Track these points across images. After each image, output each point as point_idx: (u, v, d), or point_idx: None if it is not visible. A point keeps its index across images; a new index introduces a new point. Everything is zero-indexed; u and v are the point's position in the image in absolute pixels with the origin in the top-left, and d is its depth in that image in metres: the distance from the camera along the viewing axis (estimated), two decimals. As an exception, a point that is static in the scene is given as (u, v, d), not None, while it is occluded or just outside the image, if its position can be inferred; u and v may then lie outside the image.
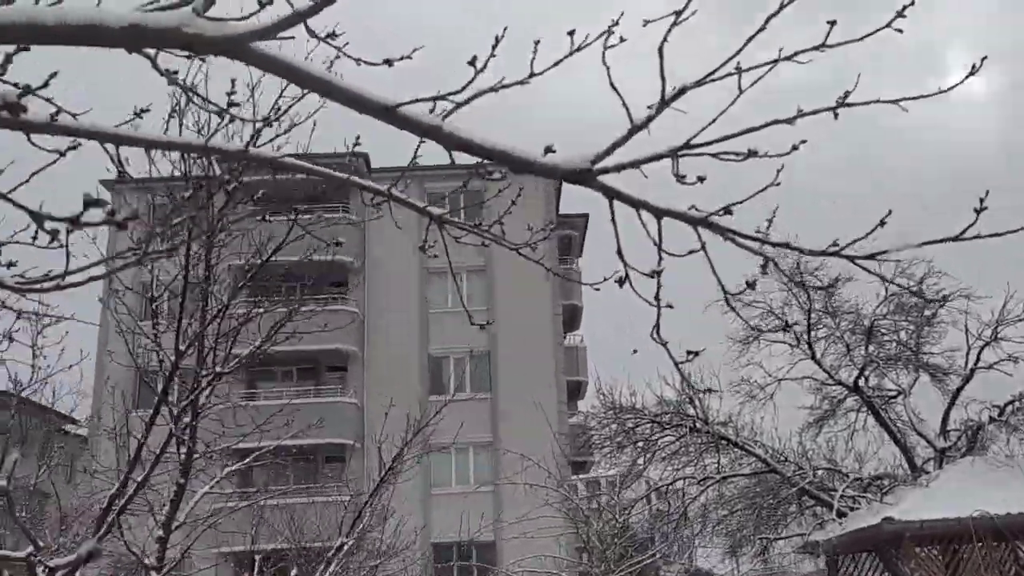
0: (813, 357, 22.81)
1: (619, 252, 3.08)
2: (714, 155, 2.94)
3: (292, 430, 13.65)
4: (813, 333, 22.66)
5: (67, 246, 3.12)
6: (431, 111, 2.67)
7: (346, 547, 11.22)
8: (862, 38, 2.90)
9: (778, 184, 3.13)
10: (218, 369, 8.09)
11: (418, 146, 3.92)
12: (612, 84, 2.95)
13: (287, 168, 3.57)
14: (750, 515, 23.50)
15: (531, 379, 34.22)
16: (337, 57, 3.67)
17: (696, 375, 21.72)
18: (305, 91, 3.25)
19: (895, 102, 3.03)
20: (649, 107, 2.90)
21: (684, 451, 22.56)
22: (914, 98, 3.05)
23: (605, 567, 20.06)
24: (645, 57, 3.25)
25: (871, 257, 2.98)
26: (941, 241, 3.02)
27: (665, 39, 2.87)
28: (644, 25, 2.82)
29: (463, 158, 2.95)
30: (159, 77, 3.71)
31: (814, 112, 3.04)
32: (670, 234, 3.38)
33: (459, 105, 2.71)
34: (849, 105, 3.04)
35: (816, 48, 2.91)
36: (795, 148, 3.00)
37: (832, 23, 2.86)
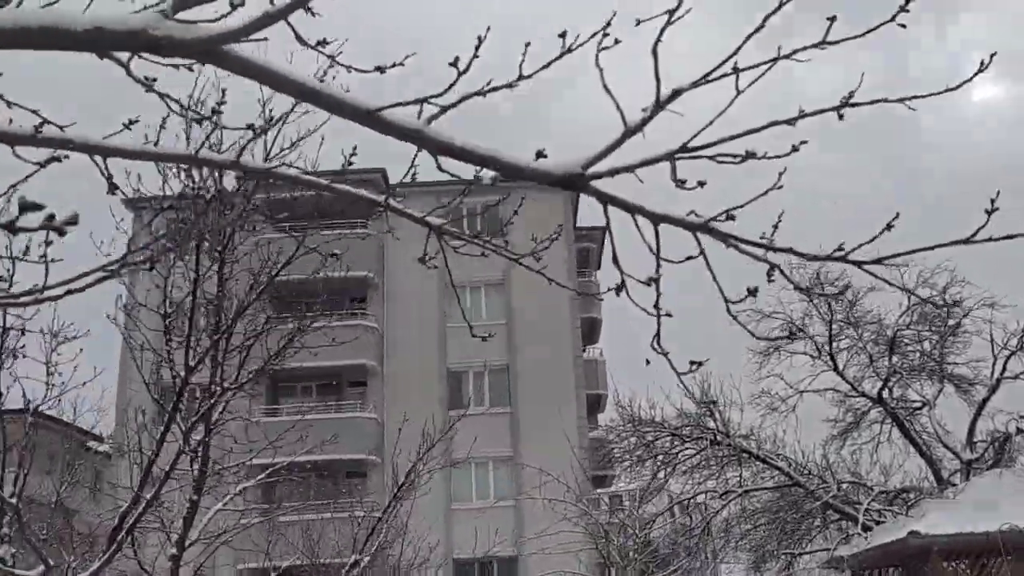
0: (835, 368, 22.54)
1: (614, 259, 2.98)
2: (711, 158, 2.84)
3: (307, 445, 13.62)
4: (835, 344, 22.40)
5: (47, 260, 3.07)
6: (419, 116, 2.60)
7: (361, 564, 11.12)
8: (863, 34, 2.80)
9: (780, 187, 3.03)
10: (226, 385, 8.03)
11: (416, 154, 3.85)
12: (605, 86, 2.86)
13: (281, 178, 3.50)
14: (774, 529, 23.20)
15: (550, 393, 34.05)
16: (331, 65, 3.61)
17: (716, 387, 21.55)
18: (297, 100, 3.17)
19: (900, 101, 2.93)
20: (644, 110, 2.81)
21: (705, 464, 22.32)
22: (920, 96, 2.94)
23: (627, 583, 19.85)
24: (648, 59, 3.16)
25: (878, 262, 2.87)
26: (952, 244, 2.91)
27: (659, 39, 2.78)
28: (636, 24, 2.73)
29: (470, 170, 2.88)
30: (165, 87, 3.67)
31: (817, 112, 2.93)
32: (674, 241, 3.29)
33: (444, 109, 2.63)
34: (853, 105, 2.94)
35: (816, 46, 2.81)
36: (795, 149, 2.90)
37: (832, 19, 2.76)
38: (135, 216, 11.35)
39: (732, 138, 2.86)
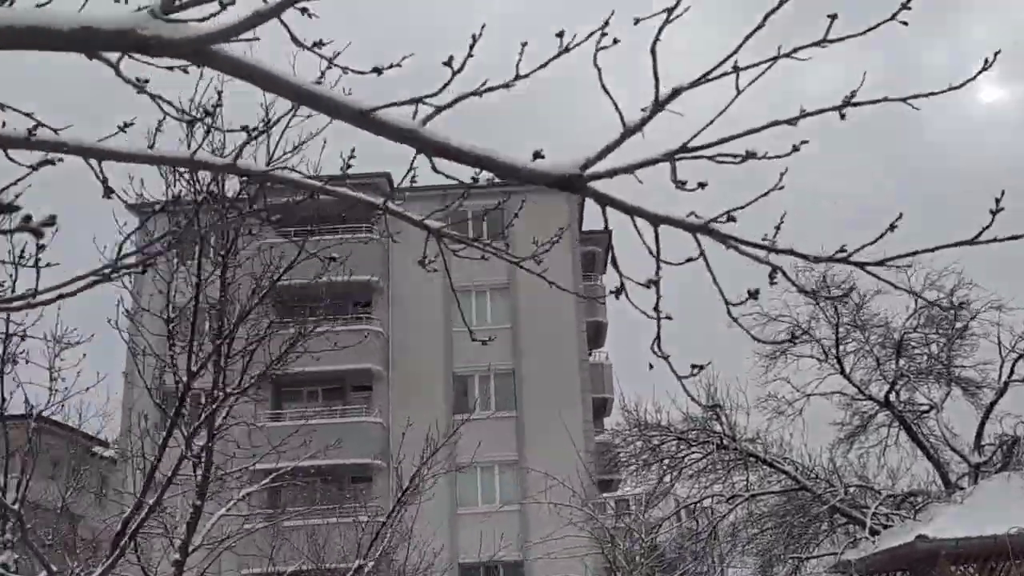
0: (842, 371, 22.46)
1: (613, 262, 2.95)
2: (711, 158, 2.80)
3: (312, 450, 13.60)
4: (842, 347, 22.34)
5: (37, 265, 3.04)
6: (414, 116, 2.57)
7: (366, 569, 11.09)
8: (864, 32, 2.76)
9: (781, 188, 2.99)
10: (228, 390, 8.00)
11: (414, 157, 3.81)
12: (603, 86, 2.82)
13: (279, 181, 3.48)
14: (781, 534, 23.10)
15: (556, 397, 33.99)
16: (328, 67, 3.58)
17: (722, 390, 21.48)
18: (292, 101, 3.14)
19: (904, 100, 2.88)
20: (643, 109, 2.78)
21: (712, 468, 22.24)
22: (924, 95, 2.90)
23: (632, 588, 19.77)
24: (648, 59, 3.12)
25: (881, 263, 2.83)
26: (956, 245, 2.86)
27: (657, 38, 2.74)
28: (635, 23, 2.70)
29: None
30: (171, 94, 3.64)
31: (818, 112, 2.89)
32: (676, 243, 3.25)
33: (440, 109, 2.59)
34: (855, 104, 2.90)
35: (817, 44, 2.77)
36: (796, 149, 2.85)
37: (833, 17, 2.72)
38: (141, 220, 11.34)
39: (732, 138, 2.82)
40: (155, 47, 1.94)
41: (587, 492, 21.94)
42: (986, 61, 2.90)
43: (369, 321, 35.52)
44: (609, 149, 2.72)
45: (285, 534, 16.60)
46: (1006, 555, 15.37)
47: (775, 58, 2.80)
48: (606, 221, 2.87)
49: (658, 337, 3.10)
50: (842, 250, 2.87)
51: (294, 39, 3.13)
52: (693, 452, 22.07)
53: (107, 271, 2.68)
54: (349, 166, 4.25)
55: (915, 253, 2.83)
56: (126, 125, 3.17)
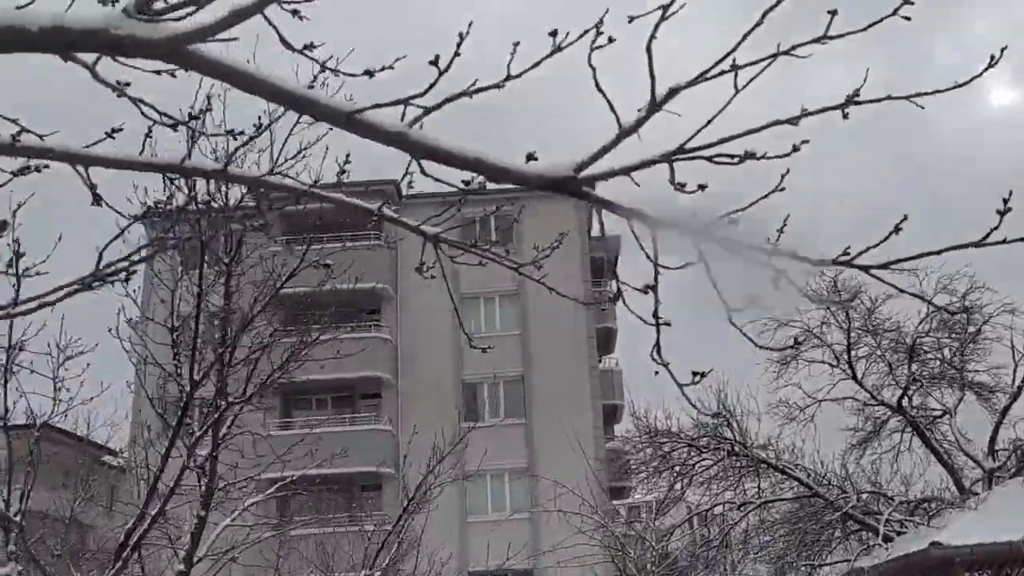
0: (854, 377, 22.29)
1: (612, 268, 2.87)
2: (709, 159, 2.72)
3: (319, 459, 13.53)
4: (853, 352, 22.16)
5: (18, 273, 2.99)
6: (402, 118, 2.50)
7: (373, 579, 11.00)
8: (865, 28, 2.68)
9: (783, 189, 2.90)
10: (230, 399, 7.95)
11: (409, 163, 3.74)
12: (598, 85, 2.75)
13: (270, 187, 3.41)
14: (793, 541, 22.90)
15: (566, 404, 33.84)
16: (322, 71, 3.52)
17: (732, 396, 21.34)
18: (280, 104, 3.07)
19: (907, 98, 2.80)
20: (639, 110, 2.70)
21: (723, 475, 22.08)
22: (928, 93, 2.82)
23: (644, 596, 19.62)
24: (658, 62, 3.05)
25: (885, 266, 2.74)
26: (963, 247, 2.78)
27: (653, 36, 2.67)
28: (630, 21, 2.63)
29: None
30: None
31: (821, 111, 2.81)
32: (682, 247, 3.16)
33: (428, 110, 2.52)
34: (858, 103, 2.82)
35: (817, 40, 2.69)
36: (796, 149, 2.77)
37: (833, 12, 2.64)
38: (147, 227, 11.33)
39: (731, 138, 2.75)
40: (129, 47, 1.88)
41: (597, 500, 21.81)
42: (992, 58, 2.81)
43: (378, 329, 35.47)
44: (605, 150, 2.64)
45: (294, 544, 16.55)
46: (1021, 561, 15.19)
47: (774, 55, 2.72)
48: (601, 225, 2.82)
49: (657, 344, 3.02)
50: (845, 253, 2.79)
51: (283, 41, 3.06)
52: (704, 459, 21.91)
53: (88, 280, 2.62)
54: (344, 171, 4.20)
55: (921, 256, 2.75)
56: (114, 131, 3.12)
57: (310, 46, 3.23)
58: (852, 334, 21.97)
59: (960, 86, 2.83)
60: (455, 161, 2.48)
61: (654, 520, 22.86)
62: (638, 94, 3.02)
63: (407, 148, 2.41)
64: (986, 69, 2.82)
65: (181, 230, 6.84)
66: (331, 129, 7.42)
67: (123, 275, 3.10)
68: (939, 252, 2.79)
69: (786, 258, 2.84)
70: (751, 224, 2.92)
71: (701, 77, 2.73)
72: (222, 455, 9.24)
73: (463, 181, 2.85)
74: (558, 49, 2.75)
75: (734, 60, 2.72)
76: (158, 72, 3.01)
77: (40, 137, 3.08)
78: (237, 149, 3.37)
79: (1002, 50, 2.84)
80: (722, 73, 2.72)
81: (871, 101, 2.82)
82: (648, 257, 2.82)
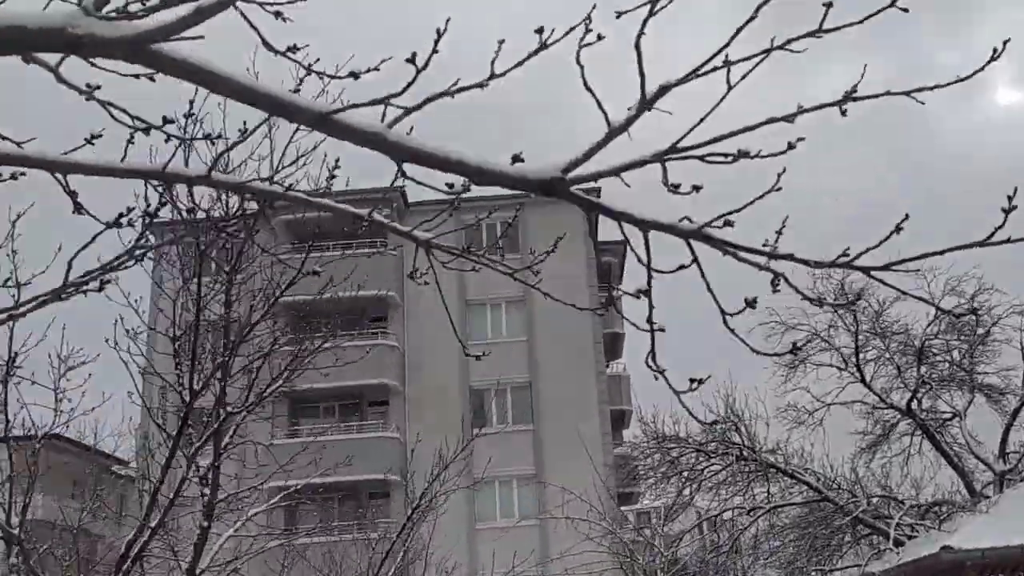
0: (863, 380, 22.12)
1: (600, 272, 2.78)
2: (701, 158, 2.63)
3: (326, 467, 13.46)
4: (862, 355, 22.00)
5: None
6: (382, 119, 2.41)
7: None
8: (862, 20, 2.59)
9: (779, 189, 2.81)
10: (230, 408, 7.87)
11: (401, 166, 3.66)
12: (586, 84, 2.66)
13: (254, 192, 3.33)
14: (803, 546, 22.73)
15: (573, 410, 33.73)
16: (308, 74, 3.43)
17: (740, 401, 21.20)
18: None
19: (907, 93, 2.71)
20: (629, 108, 2.61)
21: (732, 480, 21.92)
22: (929, 88, 2.73)
23: (653, 603, 19.48)
24: (654, 61, 2.96)
25: (887, 268, 2.65)
26: (967, 247, 2.68)
27: (642, 31, 2.58)
28: (617, 17, 2.54)
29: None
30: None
31: (817, 107, 2.72)
32: (682, 249, 3.07)
33: (408, 111, 2.44)
34: (857, 99, 2.73)
35: (811, 34, 2.60)
36: (791, 147, 2.68)
37: (828, 5, 2.55)
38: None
39: (725, 137, 2.65)
40: (87, 46, 1.80)
41: (605, 506, 21.69)
42: (995, 50, 2.72)
43: (385, 336, 35.43)
44: (593, 151, 2.56)
45: (301, 552, 16.46)
46: (1034, 566, 15.02)
47: (768, 50, 2.63)
48: (592, 227, 2.71)
49: (652, 350, 2.92)
50: (845, 254, 2.69)
51: (265, 43, 2.99)
52: (713, 464, 21.77)
53: (58, 291, 2.54)
54: (333, 176, 4.12)
55: (923, 256, 2.65)
56: (93, 137, 3.04)
57: (293, 48, 3.15)
58: (860, 337, 21.82)
59: (962, 80, 2.74)
60: (436, 163, 2.39)
61: (663, 526, 22.73)
62: (630, 95, 2.93)
63: (385, 150, 2.32)
64: (989, 62, 2.72)
65: (165, 237, 6.77)
66: (325, 139, 7.33)
67: (98, 284, 3.02)
68: (942, 252, 2.69)
69: (784, 260, 2.74)
70: (748, 225, 2.84)
71: (693, 74, 2.64)
72: (226, 465, 9.18)
73: (447, 184, 2.77)
74: (544, 46, 2.66)
75: (727, 56, 2.63)
76: (137, 76, 2.94)
77: (18, 144, 3.01)
78: (221, 155, 3.30)
79: (1005, 43, 2.75)
80: (715, 69, 2.63)
81: (870, 97, 2.73)
82: (640, 260, 2.73)
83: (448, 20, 2.49)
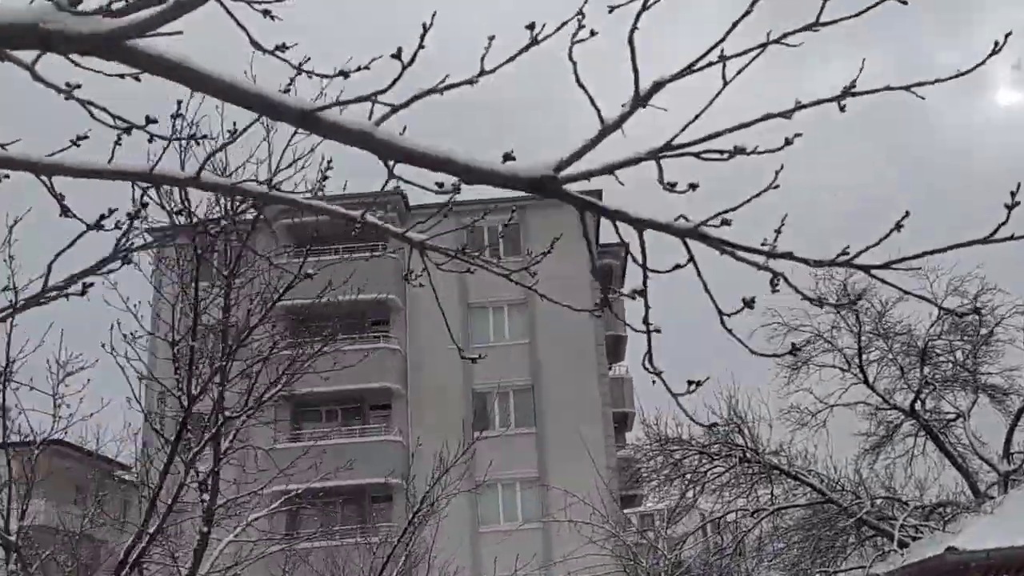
0: (866, 381, 22.04)
1: (593, 271, 2.73)
2: (697, 155, 2.58)
3: (327, 470, 13.41)
4: (865, 356, 21.92)
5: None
6: (370, 117, 2.36)
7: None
8: (860, 13, 2.53)
9: (777, 186, 2.75)
10: (228, 413, 7.82)
11: (392, 167, 3.60)
12: (579, 81, 2.60)
13: (246, 194, 3.28)
14: (807, 547, 22.65)
15: (576, 412, 33.65)
16: (298, 73, 3.38)
17: (743, 403, 21.13)
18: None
19: (907, 88, 2.65)
20: (623, 105, 2.56)
21: (735, 482, 21.84)
22: (929, 83, 2.67)
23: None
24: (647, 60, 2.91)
25: (887, 266, 2.59)
26: (969, 244, 2.62)
27: (635, 26, 2.52)
28: (610, 11, 2.48)
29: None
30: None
31: (817, 103, 2.67)
32: (675, 249, 3.01)
33: (395, 108, 2.39)
34: (856, 94, 2.67)
35: (808, 28, 2.55)
36: (788, 143, 2.62)
37: (825, -2, 2.50)
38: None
39: (721, 134, 2.60)
40: (60, 42, 1.74)
41: (608, 509, 21.61)
42: (996, 44, 2.66)
43: (387, 339, 35.39)
44: (586, 148, 2.50)
45: (303, 557, 16.40)
46: (1040, 566, 14.94)
47: (764, 44, 2.57)
48: (584, 227, 2.65)
49: (649, 351, 2.86)
50: (845, 252, 2.63)
51: (252, 42, 2.93)
52: (716, 466, 21.69)
53: (37, 296, 2.49)
54: (326, 177, 4.06)
55: (924, 254, 2.59)
56: (79, 138, 2.99)
57: (282, 47, 3.10)
58: (863, 338, 21.74)
59: (963, 74, 2.68)
60: (425, 161, 2.34)
61: (666, 529, 22.64)
62: (624, 92, 2.88)
63: (373, 148, 2.27)
64: (990, 55, 2.66)
65: (164, 241, 6.72)
66: (322, 141, 7.28)
67: (80, 287, 2.97)
68: (944, 250, 2.64)
69: (782, 259, 2.68)
70: (745, 224, 2.78)
71: (688, 69, 2.59)
72: (225, 470, 9.12)
73: (436, 183, 2.71)
74: (535, 42, 2.61)
75: (722, 51, 2.57)
76: (122, 76, 2.89)
77: (2, 147, 2.96)
78: (210, 156, 3.26)
79: (1006, 36, 2.69)
80: (709, 65, 2.57)
81: (869, 92, 2.67)
82: (635, 260, 2.68)
83: (434, 14, 2.43)
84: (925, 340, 21.71)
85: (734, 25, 2.59)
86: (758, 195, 2.72)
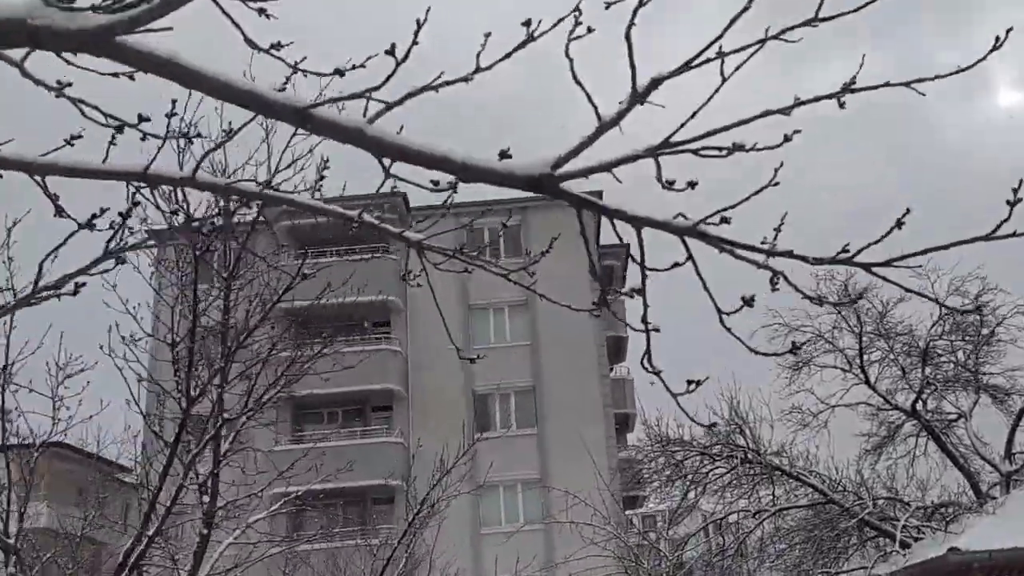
0: (867, 381, 22.01)
1: (592, 270, 2.70)
2: (695, 152, 2.55)
3: (327, 472, 13.38)
4: (866, 356, 21.89)
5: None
6: (364, 115, 2.33)
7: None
8: (857, 9, 2.51)
9: (777, 184, 2.72)
10: (227, 415, 7.79)
11: (390, 164, 3.57)
12: (575, 77, 2.58)
13: (241, 194, 3.26)
14: (809, 548, 22.60)
15: (577, 413, 33.62)
16: (294, 71, 3.36)
17: (744, 403, 21.10)
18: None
19: (907, 84, 2.63)
20: (620, 102, 2.53)
21: (737, 483, 21.81)
22: (929, 79, 2.64)
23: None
24: (645, 60, 2.88)
25: (887, 264, 2.56)
26: (971, 241, 2.60)
27: (632, 22, 2.50)
28: (606, 8, 2.46)
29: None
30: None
31: (816, 99, 2.64)
32: (675, 248, 2.99)
33: (390, 106, 2.36)
34: (856, 90, 2.65)
35: (808, 23, 2.52)
36: (787, 139, 2.59)
37: (824, -6, 2.47)
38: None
39: (720, 130, 2.57)
40: (48, 39, 1.72)
41: (610, 510, 21.58)
42: (997, 39, 2.63)
43: (388, 341, 35.36)
44: (583, 146, 2.47)
45: (304, 559, 16.39)
46: (1042, 567, 14.91)
47: (763, 40, 2.55)
48: (582, 225, 2.62)
49: (648, 351, 2.84)
50: (845, 250, 2.60)
51: (247, 40, 2.91)
52: (717, 467, 21.66)
53: (28, 297, 2.47)
54: (323, 176, 4.04)
55: (925, 252, 2.57)
56: (73, 138, 2.96)
57: (277, 45, 3.08)
58: (864, 338, 21.71)
59: (963, 70, 2.66)
60: (421, 159, 2.31)
61: (668, 529, 22.60)
62: (622, 89, 2.85)
63: (366, 145, 2.24)
64: (991, 51, 2.64)
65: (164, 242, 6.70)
66: (321, 141, 7.24)
67: (72, 287, 2.94)
68: (946, 247, 2.61)
69: (782, 258, 2.65)
70: (745, 222, 2.75)
71: (686, 66, 2.56)
72: (225, 472, 9.10)
73: (431, 181, 2.69)
74: (531, 39, 2.58)
75: (720, 47, 2.55)
76: (116, 74, 2.86)
77: (-6, 146, 2.94)
78: (205, 155, 3.23)
79: (1008, 31, 2.67)
80: (708, 61, 2.54)
81: (869, 88, 2.65)
82: (633, 259, 2.65)
83: (428, 10, 2.41)
84: (926, 340, 21.68)
85: (732, 21, 2.56)
86: (758, 192, 2.69)
